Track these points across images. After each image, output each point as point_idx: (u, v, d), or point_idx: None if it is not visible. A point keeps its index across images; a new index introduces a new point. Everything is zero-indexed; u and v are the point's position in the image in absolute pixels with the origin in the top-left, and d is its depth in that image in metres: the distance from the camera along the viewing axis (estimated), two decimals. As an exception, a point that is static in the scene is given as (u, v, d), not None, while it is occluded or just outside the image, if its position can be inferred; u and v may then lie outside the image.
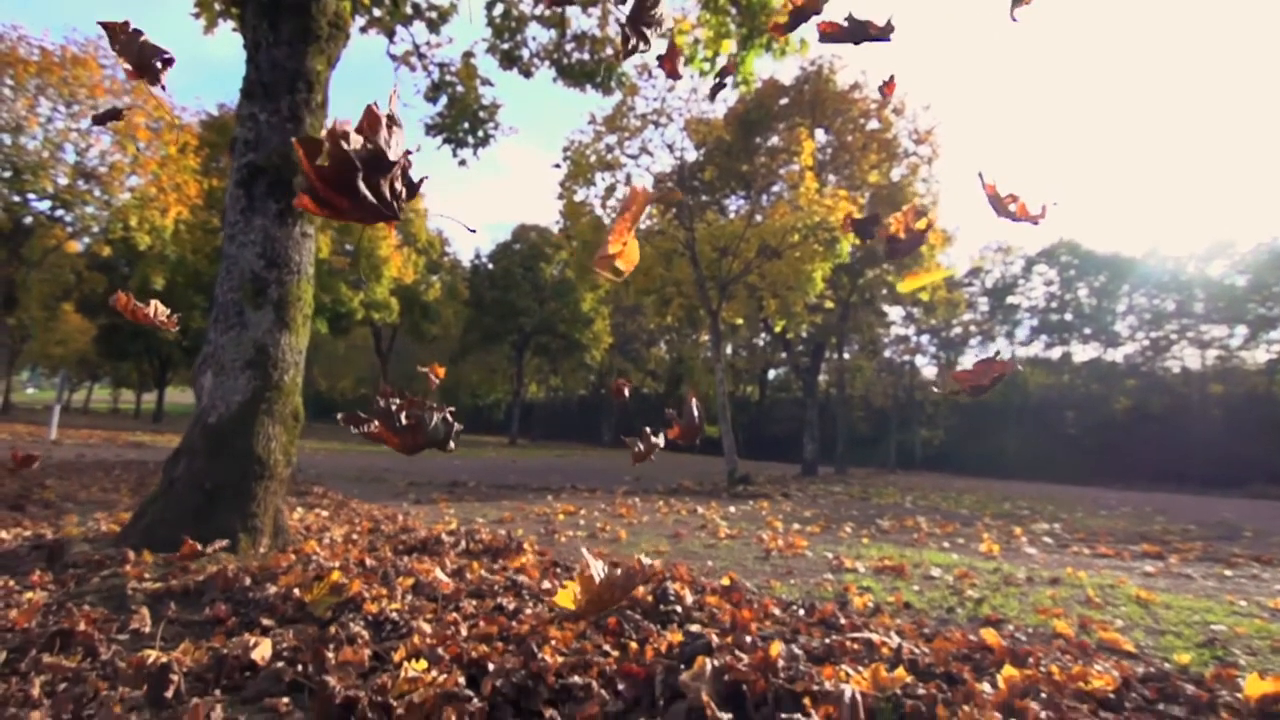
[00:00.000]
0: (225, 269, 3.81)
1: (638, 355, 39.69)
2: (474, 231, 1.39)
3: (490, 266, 31.11)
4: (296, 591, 2.73)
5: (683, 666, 2.00)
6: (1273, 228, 37.31)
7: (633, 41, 1.88)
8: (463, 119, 9.12)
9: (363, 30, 8.32)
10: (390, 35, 8.52)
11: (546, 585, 3.15)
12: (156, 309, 2.16)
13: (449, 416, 1.49)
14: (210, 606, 2.64)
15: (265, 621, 2.49)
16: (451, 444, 1.49)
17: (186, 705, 1.76)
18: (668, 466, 17.87)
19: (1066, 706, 2.03)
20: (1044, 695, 2.06)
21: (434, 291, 27.16)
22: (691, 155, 14.44)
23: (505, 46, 8.57)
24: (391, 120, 1.07)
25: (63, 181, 19.98)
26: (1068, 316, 31.74)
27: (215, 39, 6.94)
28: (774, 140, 14.15)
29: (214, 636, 2.35)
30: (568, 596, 1.70)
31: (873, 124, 15.94)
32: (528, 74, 8.47)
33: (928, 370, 32.72)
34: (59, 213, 21.05)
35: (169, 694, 1.86)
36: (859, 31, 1.86)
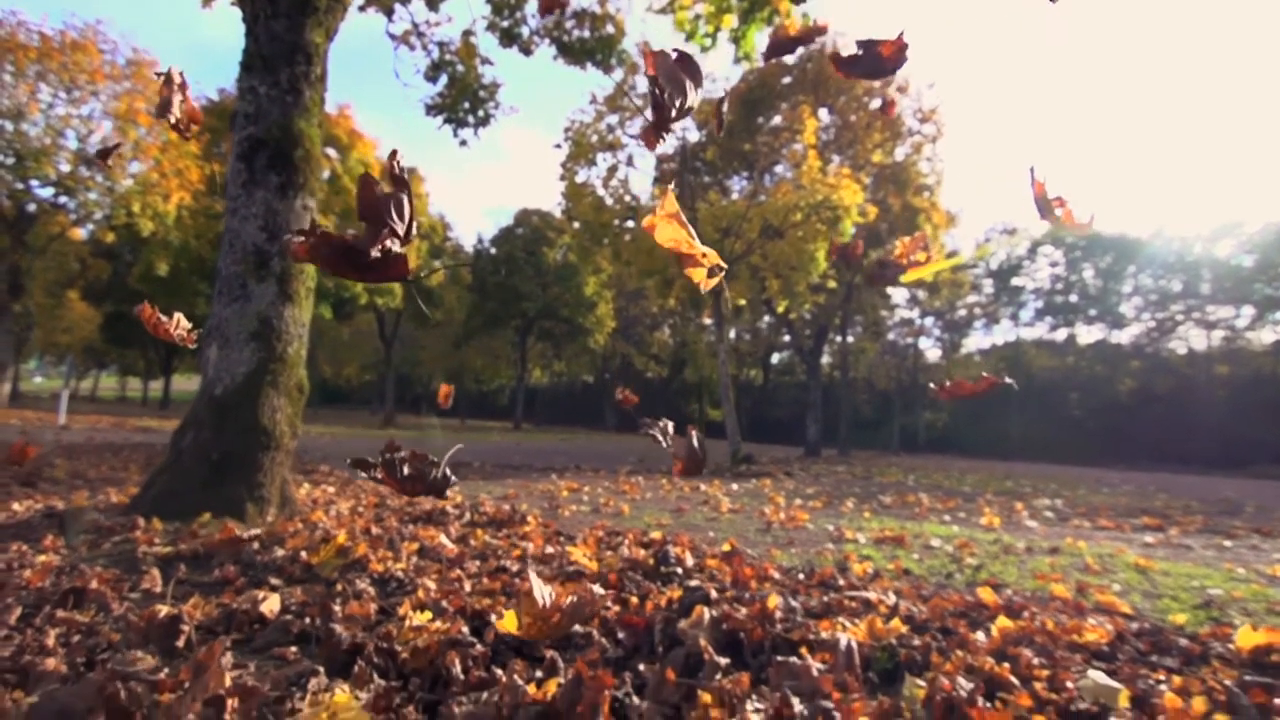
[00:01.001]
0: (228, 242, 3.83)
1: (641, 339, 39.69)
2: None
3: (493, 251, 31.08)
4: (304, 554, 2.78)
5: (681, 617, 2.04)
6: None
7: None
8: (463, 98, 9.08)
9: (361, 8, 8.27)
10: (389, 13, 8.47)
11: (550, 550, 3.19)
12: (178, 323, 2.15)
13: (447, 472, 1.57)
14: (219, 568, 2.69)
15: (273, 581, 2.54)
16: (449, 493, 1.61)
17: (197, 652, 1.80)
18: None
19: (1060, 656, 2.07)
20: (1038, 644, 2.10)
21: (437, 276, 27.19)
22: (694, 136, 14.37)
23: (505, 24, 8.51)
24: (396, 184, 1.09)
25: (65, 168, 19.98)
26: (1073, 298, 31.59)
27: (212, 19, 6.90)
28: (776, 119, 14.05)
29: (223, 595, 2.40)
30: (511, 621, 1.64)
31: (876, 102, 15.80)
32: (527, 51, 8.42)
33: (931, 352, 32.67)
34: (62, 199, 21.07)
35: (179, 643, 1.91)
36: (873, 60, 1.74)
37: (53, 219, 21.98)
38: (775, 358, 36.64)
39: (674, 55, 1.35)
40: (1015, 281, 32.48)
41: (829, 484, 9.98)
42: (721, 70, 45.35)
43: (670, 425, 1.94)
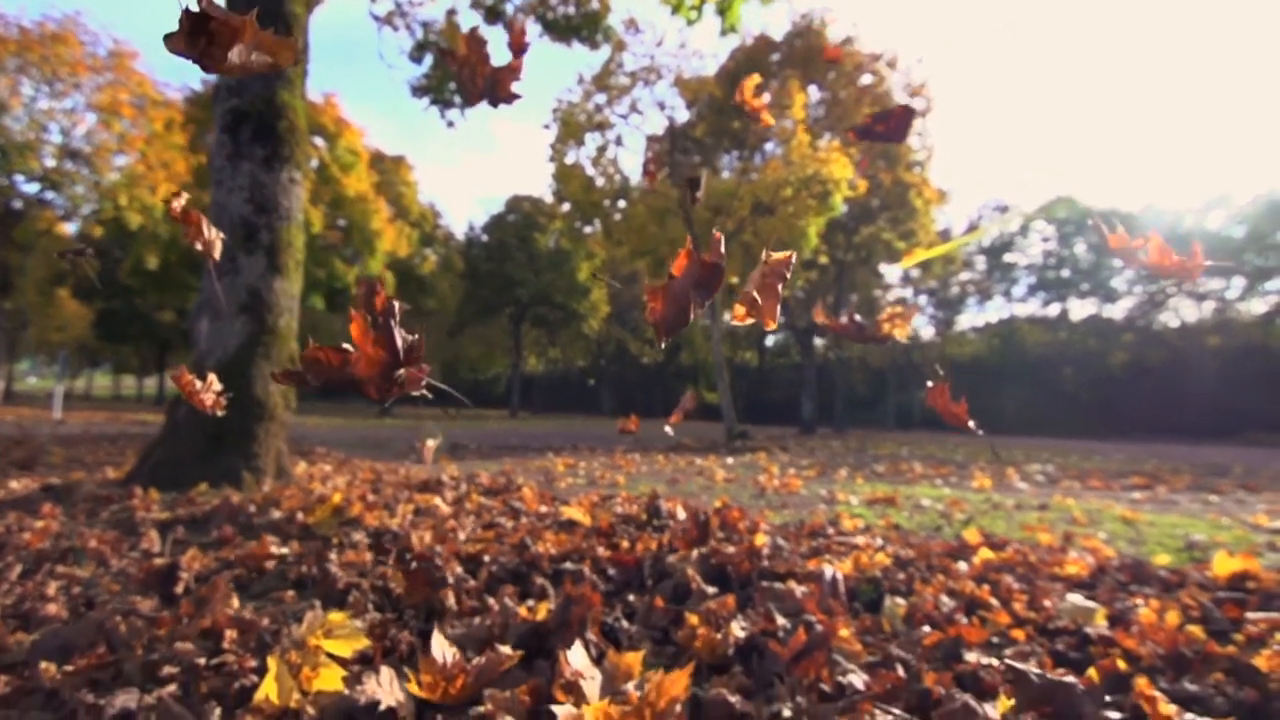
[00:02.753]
0: (214, 216, 3.82)
1: (636, 324, 39.66)
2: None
3: (485, 238, 30.95)
4: (300, 515, 2.82)
5: (670, 555, 2.09)
6: (1271, 180, 37.00)
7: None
8: (448, 78, 9.01)
9: (344, -12, 8.18)
10: (372, -8, 8.39)
11: (544, 509, 3.23)
12: (210, 384, 2.02)
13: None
14: (217, 529, 2.73)
15: (270, 539, 2.57)
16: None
17: (195, 594, 1.84)
18: (669, 435, 17.99)
19: (1040, 584, 2.12)
20: (1019, 573, 2.15)
21: (429, 265, 27.07)
22: (682, 115, 14.30)
23: (489, 2, 8.44)
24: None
25: (50, 163, 19.80)
26: (1065, 273, 31.67)
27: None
28: (765, 97, 13.96)
29: (222, 550, 2.43)
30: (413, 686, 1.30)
31: (866, 78, 15.74)
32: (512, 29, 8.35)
33: (925, 331, 32.73)
34: (48, 195, 20.90)
35: (178, 589, 1.94)
36: (885, 129, 1.66)
37: (40, 215, 21.80)
38: (770, 340, 36.68)
39: None
40: (1008, 258, 32.55)
41: (824, 456, 10.06)
42: (709, 47, 44.99)
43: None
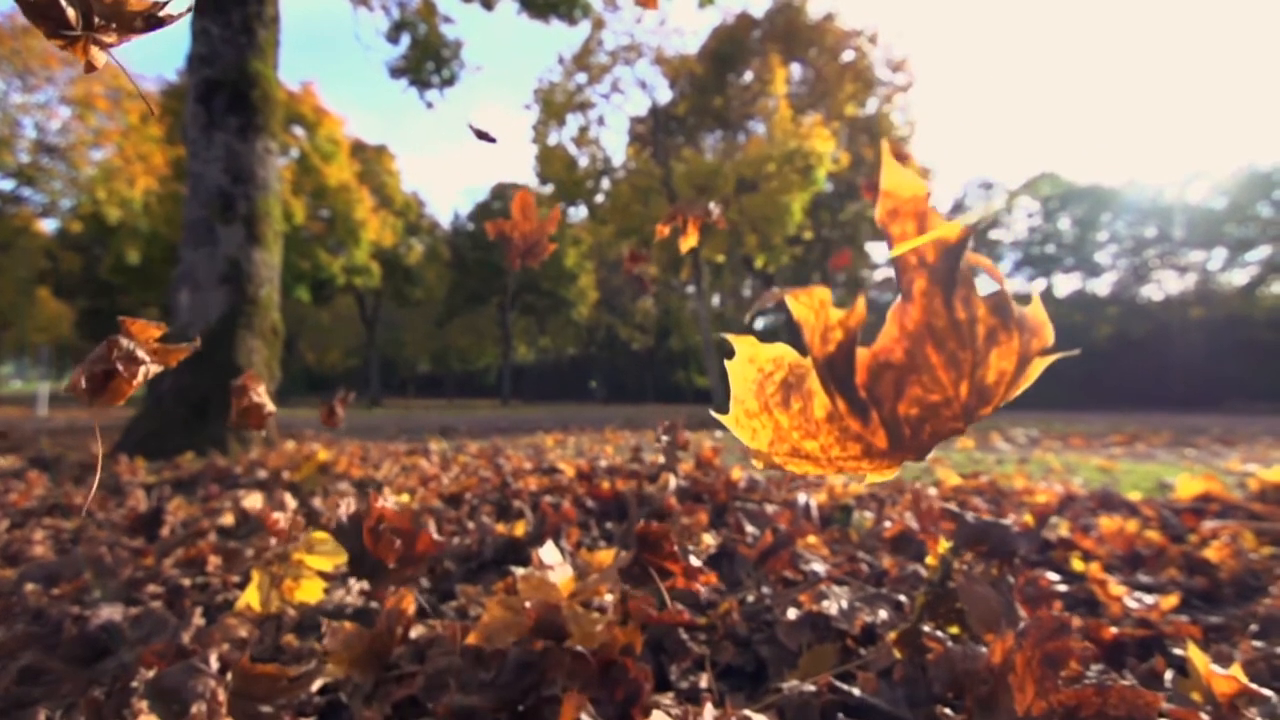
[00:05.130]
0: (192, 187, 3.82)
1: (624, 310, 39.66)
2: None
3: (470, 227, 30.79)
4: (286, 474, 2.84)
5: (649, 487, 2.13)
6: (1251, 152, 37.38)
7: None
8: (426, 58, 8.96)
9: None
10: (346, -29, 8.30)
11: (529, 465, 3.27)
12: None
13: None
14: (203, 489, 2.75)
15: (256, 492, 2.60)
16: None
17: (180, 537, 1.87)
18: (660, 414, 18.08)
19: (1007, 507, 2.18)
20: (987, 497, 2.22)
21: (414, 254, 26.92)
22: (665, 96, 14.26)
23: (467, -21, 8.37)
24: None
25: (25, 158, 19.50)
26: (1050, 249, 31.92)
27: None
28: (747, 76, 13.95)
29: (208, 505, 2.46)
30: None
31: (847, 54, 15.73)
32: (489, 6, 8.30)
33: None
34: (25, 191, 20.60)
35: (164, 532, 1.97)
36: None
37: (17, 212, 21.49)
38: (760, 324, 36.81)
39: None
40: (993, 235, 32.74)
41: (812, 430, 10.15)
42: (691, 23, 44.55)
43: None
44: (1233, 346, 25.56)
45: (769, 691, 0.86)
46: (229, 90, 3.81)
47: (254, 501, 2.19)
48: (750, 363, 0.45)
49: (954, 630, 0.89)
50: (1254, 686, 0.75)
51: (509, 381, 32.44)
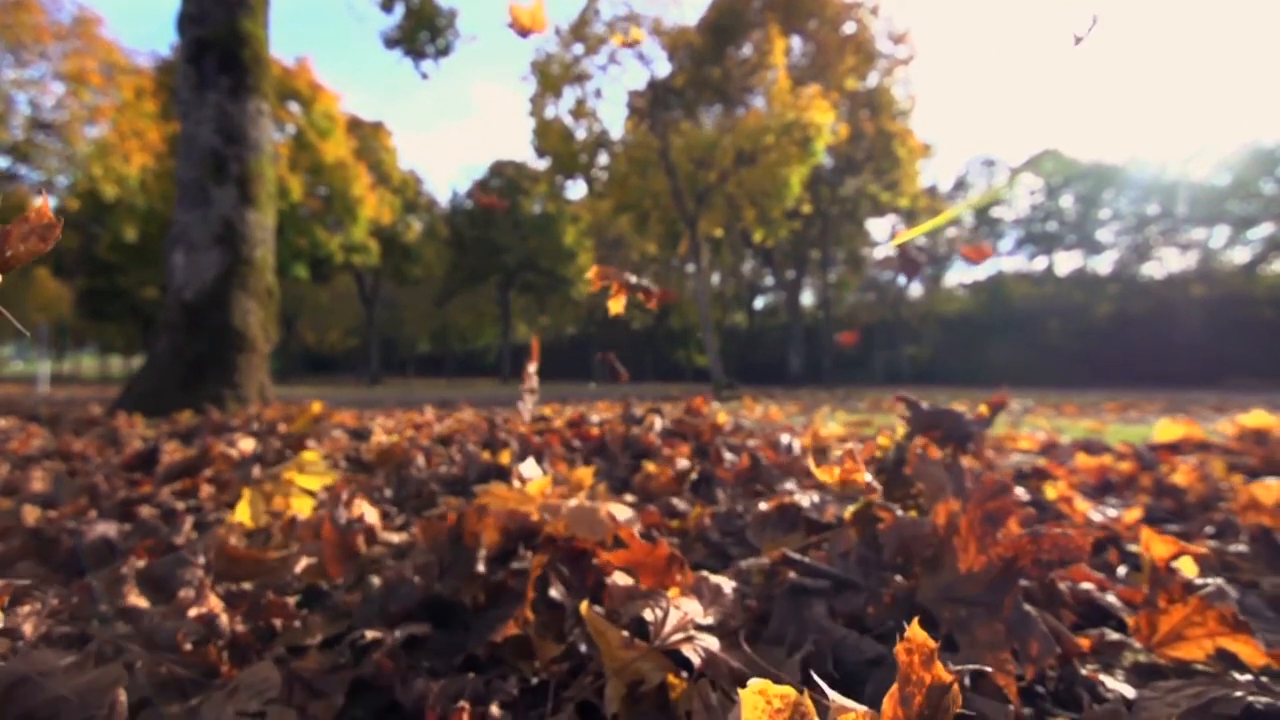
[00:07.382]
0: (184, 148, 3.81)
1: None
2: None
3: (469, 204, 30.64)
4: (282, 426, 2.88)
5: (636, 428, 2.17)
6: (1256, 128, 36.94)
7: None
8: (420, 28, 8.87)
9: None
10: (338, -63, 8.19)
11: (523, 428, 3.31)
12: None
13: None
14: (200, 440, 2.79)
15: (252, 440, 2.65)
16: None
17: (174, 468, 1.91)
18: (658, 391, 18.14)
19: (995, 450, 2.22)
20: (969, 440, 2.26)
21: (413, 232, 26.82)
22: (663, 69, 14.10)
23: (459, -54, 8.25)
24: None
25: (19, 135, 19.37)
26: (1052, 226, 31.75)
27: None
28: (747, 48, 13.78)
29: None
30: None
31: (849, 26, 15.53)
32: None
33: (913, 288, 32.82)
34: (20, 169, 20.49)
35: (159, 468, 2.01)
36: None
37: (13, 190, 21.38)
38: (759, 302, 36.76)
39: None
40: (994, 213, 32.55)
41: (808, 401, 10.21)
42: None
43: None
44: (1234, 324, 25.53)
45: (730, 567, 0.89)
46: (220, 49, 3.79)
47: (248, 444, 2.23)
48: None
49: (912, 514, 0.92)
50: (1191, 546, 0.78)
51: (509, 360, 32.49)
